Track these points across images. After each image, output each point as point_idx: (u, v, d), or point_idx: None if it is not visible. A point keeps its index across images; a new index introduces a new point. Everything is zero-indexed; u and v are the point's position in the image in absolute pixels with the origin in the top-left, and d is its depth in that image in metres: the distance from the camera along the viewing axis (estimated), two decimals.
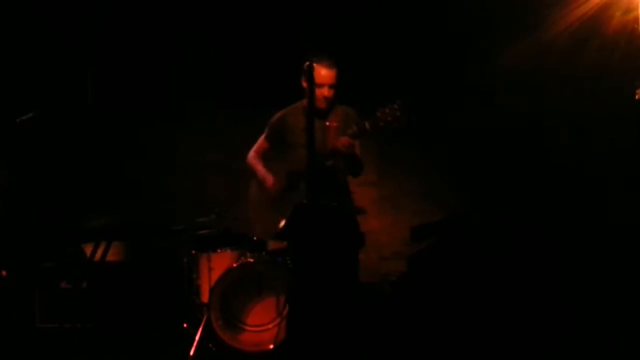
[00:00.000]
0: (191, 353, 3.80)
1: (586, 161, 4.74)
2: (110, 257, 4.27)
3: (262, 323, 3.97)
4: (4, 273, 3.70)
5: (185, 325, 4.11)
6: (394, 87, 4.97)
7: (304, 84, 3.25)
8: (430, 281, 4.62)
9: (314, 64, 3.21)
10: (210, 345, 3.89)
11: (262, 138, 3.57)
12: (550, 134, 4.89)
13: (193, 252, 4.21)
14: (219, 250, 4.16)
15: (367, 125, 3.05)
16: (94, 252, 4.17)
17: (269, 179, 3.43)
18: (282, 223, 3.25)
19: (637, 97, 4.26)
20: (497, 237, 4.71)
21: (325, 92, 3.23)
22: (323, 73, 3.20)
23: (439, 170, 5.10)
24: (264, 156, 3.54)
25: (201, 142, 5.21)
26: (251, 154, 3.59)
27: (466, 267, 4.56)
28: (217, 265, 4.10)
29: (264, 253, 4.06)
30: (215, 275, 4.02)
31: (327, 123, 3.24)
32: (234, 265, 3.98)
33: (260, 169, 3.51)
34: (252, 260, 3.98)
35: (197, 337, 3.86)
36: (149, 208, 4.90)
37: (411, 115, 2.99)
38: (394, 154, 5.13)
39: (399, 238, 5.06)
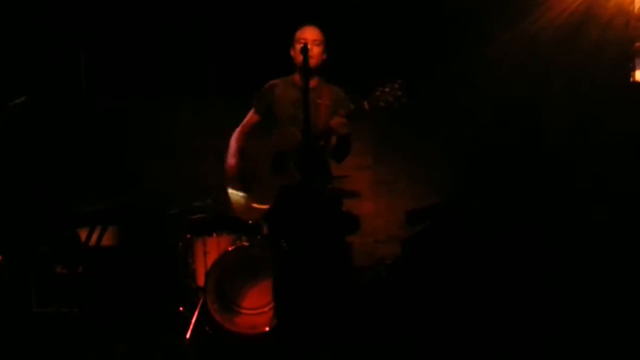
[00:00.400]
0: (187, 336, 3.82)
1: (583, 145, 4.74)
2: (105, 241, 4.27)
3: (258, 306, 3.98)
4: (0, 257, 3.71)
5: (181, 308, 4.13)
6: (390, 70, 4.95)
7: (293, 53, 3.21)
8: (424, 265, 4.64)
9: (299, 29, 3.19)
10: (207, 328, 3.91)
11: (251, 111, 3.47)
12: (547, 119, 4.88)
13: (188, 236, 4.21)
14: (214, 234, 4.16)
15: (365, 104, 2.99)
16: (89, 236, 4.17)
17: (231, 161, 3.34)
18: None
19: (631, 79, 4.25)
20: (492, 222, 4.72)
21: (309, 46, 3.10)
22: (307, 30, 3.18)
23: (436, 154, 5.09)
24: (251, 132, 3.43)
25: (198, 128, 5.19)
26: (237, 130, 3.47)
27: (461, 252, 4.57)
28: (212, 249, 4.10)
29: (259, 237, 4.06)
30: (211, 259, 4.03)
31: (318, 100, 3.18)
32: (230, 249, 3.99)
33: (233, 147, 3.40)
34: (247, 244, 3.99)
35: (193, 321, 3.88)
36: (144, 193, 4.90)
37: (412, 95, 2.95)
38: (390, 137, 5.11)
39: (395, 222, 5.07)
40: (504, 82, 4.83)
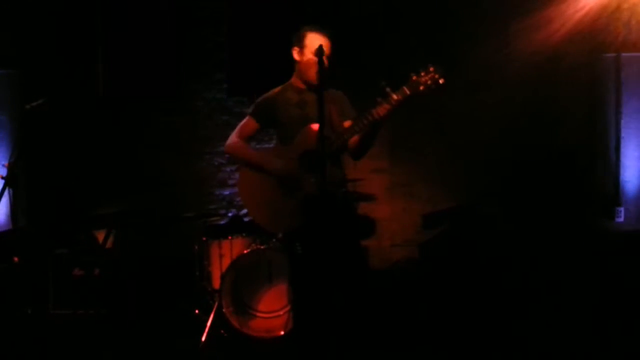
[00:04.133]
0: (203, 339, 3.82)
1: (600, 143, 4.68)
2: (121, 244, 4.29)
3: (273, 309, 3.97)
4: (15, 259, 3.73)
5: (196, 311, 4.13)
6: (405, 69, 4.94)
7: (296, 56, 3.09)
8: (441, 269, 4.60)
9: (310, 32, 3.06)
10: (222, 331, 3.91)
11: (247, 119, 3.21)
12: (567, 118, 4.82)
13: (204, 239, 4.21)
14: (229, 237, 4.15)
15: (406, 90, 2.86)
16: (105, 239, 4.19)
17: (274, 162, 3.05)
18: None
19: None
20: (509, 225, 4.67)
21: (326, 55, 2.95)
22: (322, 37, 3.04)
23: (452, 157, 5.04)
24: (249, 141, 3.21)
25: (211, 130, 5.20)
26: (233, 139, 3.20)
27: (478, 255, 4.52)
28: (227, 252, 4.10)
29: (274, 240, 4.05)
30: (226, 261, 4.03)
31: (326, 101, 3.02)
32: (245, 251, 3.98)
33: (253, 153, 3.16)
34: (262, 246, 3.98)
35: (208, 323, 3.87)
36: (160, 195, 4.91)
37: (446, 76, 2.88)
38: (407, 140, 5.07)
39: (411, 225, 5.03)
40: (523, 84, 4.78)
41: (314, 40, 3.03)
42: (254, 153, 3.17)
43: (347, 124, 3.12)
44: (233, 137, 3.23)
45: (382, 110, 2.89)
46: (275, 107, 3.15)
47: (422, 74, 2.88)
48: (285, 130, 3.13)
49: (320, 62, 2.89)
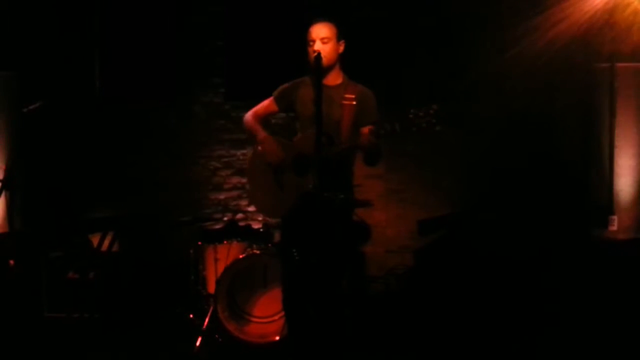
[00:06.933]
0: (197, 344, 3.81)
1: (594, 151, 4.71)
2: (116, 248, 4.28)
3: (268, 315, 3.97)
4: (11, 262, 3.72)
5: (191, 316, 4.12)
6: (402, 76, 4.98)
7: (310, 52, 3.10)
8: (437, 275, 4.60)
9: (312, 25, 3.09)
10: (217, 336, 3.90)
11: (269, 100, 3.26)
12: (561, 126, 4.85)
13: (199, 243, 4.21)
14: (225, 242, 4.16)
15: (397, 127, 2.89)
16: (101, 242, 4.17)
17: (261, 135, 3.15)
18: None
19: None
20: (505, 232, 4.68)
21: (315, 46, 3.04)
22: (315, 28, 3.08)
23: (448, 164, 5.06)
24: (264, 121, 3.26)
25: (208, 134, 5.20)
26: (248, 113, 3.28)
27: (474, 262, 4.53)
28: (223, 256, 4.10)
29: (270, 245, 4.06)
30: (222, 266, 4.03)
31: (343, 101, 3.05)
32: (240, 256, 3.98)
33: (254, 126, 3.21)
34: (258, 251, 3.98)
35: (203, 328, 3.87)
36: (155, 199, 4.91)
37: (444, 122, 2.87)
38: (402, 146, 5.08)
39: (406, 231, 5.04)
40: (518, 93, 4.81)
41: (317, 30, 3.08)
42: (261, 132, 3.21)
43: (365, 130, 3.11)
44: (249, 112, 3.31)
45: (368, 141, 2.96)
46: (296, 99, 3.19)
47: (421, 113, 2.86)
48: (300, 125, 3.19)
49: (316, 66, 2.92)
